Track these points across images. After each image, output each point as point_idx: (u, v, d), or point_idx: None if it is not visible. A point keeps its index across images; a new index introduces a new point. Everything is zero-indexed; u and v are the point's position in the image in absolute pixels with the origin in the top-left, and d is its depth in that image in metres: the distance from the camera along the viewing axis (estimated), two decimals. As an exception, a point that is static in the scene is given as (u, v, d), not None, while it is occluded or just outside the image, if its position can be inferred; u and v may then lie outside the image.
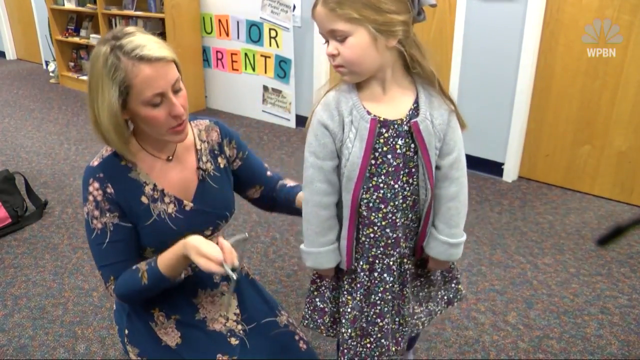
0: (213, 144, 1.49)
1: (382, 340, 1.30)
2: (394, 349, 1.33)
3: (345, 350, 1.32)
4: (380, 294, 1.26)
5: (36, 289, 2.23)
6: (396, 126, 1.15)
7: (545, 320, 2.03)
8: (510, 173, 3.24)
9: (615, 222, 2.42)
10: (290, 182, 1.62)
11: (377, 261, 1.25)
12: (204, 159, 1.47)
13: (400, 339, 1.34)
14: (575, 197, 3.03)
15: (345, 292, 1.30)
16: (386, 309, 1.27)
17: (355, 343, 1.31)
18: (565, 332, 1.97)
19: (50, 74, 5.66)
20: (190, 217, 1.44)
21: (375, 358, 1.32)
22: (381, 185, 1.18)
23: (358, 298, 1.28)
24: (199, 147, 1.45)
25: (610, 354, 1.86)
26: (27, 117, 4.49)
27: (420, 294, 1.36)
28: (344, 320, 1.30)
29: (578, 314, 2.07)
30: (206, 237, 1.53)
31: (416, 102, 1.16)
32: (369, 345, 1.31)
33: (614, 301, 2.14)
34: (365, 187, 1.18)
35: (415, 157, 1.17)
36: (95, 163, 1.35)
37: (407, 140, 1.16)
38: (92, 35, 5.07)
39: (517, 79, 3.03)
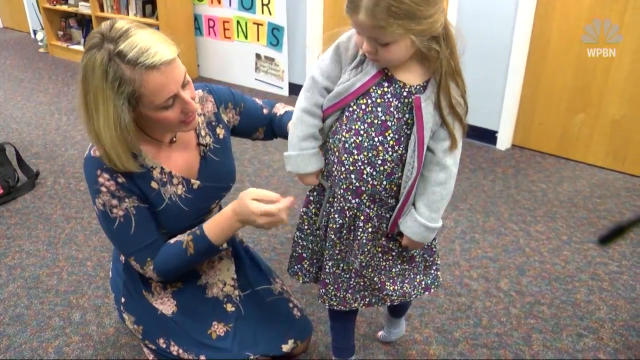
0: (210, 115, 1.47)
1: (321, 275, 1.37)
2: (334, 292, 1.36)
3: (299, 249, 1.40)
4: (331, 232, 1.31)
5: (30, 259, 2.23)
6: (397, 86, 1.15)
7: (536, 287, 2.06)
8: (503, 141, 3.23)
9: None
10: (280, 111, 1.60)
11: (335, 200, 1.28)
12: (203, 132, 1.44)
13: (344, 286, 1.36)
14: (569, 165, 3.04)
15: (311, 205, 1.36)
16: (330, 244, 1.31)
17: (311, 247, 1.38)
18: (556, 298, 1.99)
19: (39, 43, 5.56)
20: (198, 195, 1.43)
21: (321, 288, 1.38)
22: (362, 132, 1.19)
23: (319, 213, 1.33)
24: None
25: (599, 319, 1.89)
26: (16, 87, 4.42)
27: (394, 269, 1.35)
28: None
29: (569, 280, 2.09)
30: (211, 210, 1.54)
31: (427, 82, 1.16)
32: (315, 260, 1.39)
33: (604, 267, 2.16)
34: (347, 127, 1.20)
35: (409, 131, 1.17)
36: (98, 153, 1.28)
37: (404, 108, 1.16)
38: (80, 3, 4.95)
39: (512, 46, 3.00)
